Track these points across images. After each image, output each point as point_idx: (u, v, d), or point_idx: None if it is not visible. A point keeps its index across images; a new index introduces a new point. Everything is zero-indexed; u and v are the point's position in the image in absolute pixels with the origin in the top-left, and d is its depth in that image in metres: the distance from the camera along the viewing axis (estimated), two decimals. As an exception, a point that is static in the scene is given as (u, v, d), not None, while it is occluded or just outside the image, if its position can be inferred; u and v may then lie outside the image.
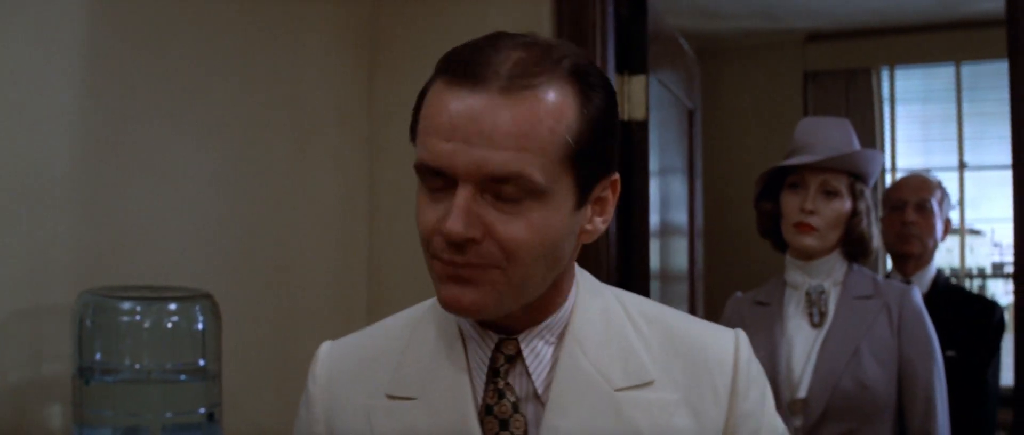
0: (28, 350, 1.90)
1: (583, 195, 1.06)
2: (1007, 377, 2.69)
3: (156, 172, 2.14)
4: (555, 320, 1.12)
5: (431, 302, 1.19)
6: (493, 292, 1.02)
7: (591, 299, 1.14)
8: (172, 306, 1.85)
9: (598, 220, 1.10)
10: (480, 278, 1.02)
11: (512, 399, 1.09)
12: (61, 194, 1.95)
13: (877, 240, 2.31)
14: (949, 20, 5.37)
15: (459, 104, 0.99)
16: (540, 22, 2.53)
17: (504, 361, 1.10)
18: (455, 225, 0.99)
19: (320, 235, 2.60)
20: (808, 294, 2.24)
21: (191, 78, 2.22)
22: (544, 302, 1.10)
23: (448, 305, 1.04)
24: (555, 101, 1.00)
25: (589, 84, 1.04)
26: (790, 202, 2.26)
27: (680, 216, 3.23)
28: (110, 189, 2.04)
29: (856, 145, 2.31)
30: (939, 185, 3.01)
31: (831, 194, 2.23)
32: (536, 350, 1.10)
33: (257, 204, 2.40)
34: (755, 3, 5.31)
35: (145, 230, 2.11)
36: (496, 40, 1.03)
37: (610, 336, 1.12)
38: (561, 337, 1.11)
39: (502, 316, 1.08)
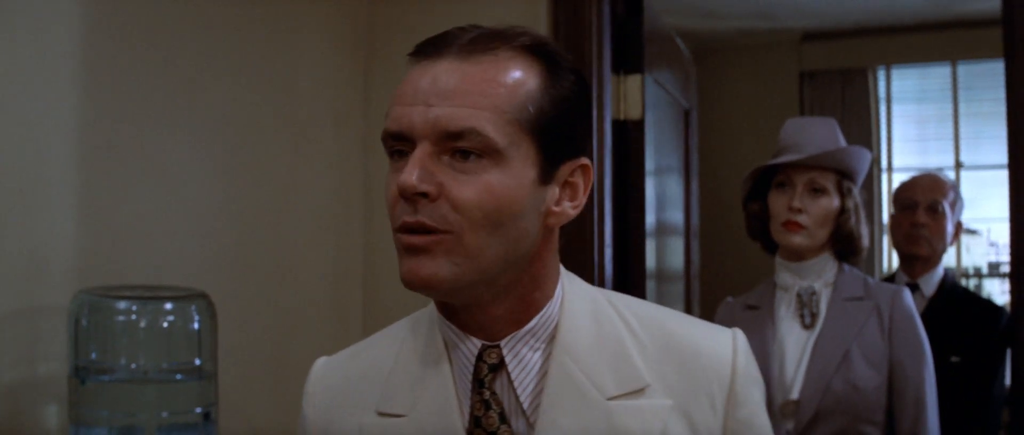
0: (24, 350, 1.90)
1: (547, 171, 1.05)
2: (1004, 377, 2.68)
3: (152, 172, 2.14)
4: (541, 322, 1.09)
5: (419, 314, 1.17)
6: (447, 262, 1.00)
7: (580, 302, 1.12)
8: (168, 306, 1.85)
9: (567, 204, 1.08)
10: (434, 247, 1.00)
11: (498, 410, 1.06)
12: (57, 194, 1.95)
13: (867, 239, 2.30)
14: (945, 20, 5.38)
15: (421, 73, 1.03)
16: (536, 22, 2.53)
17: (487, 371, 1.07)
18: (408, 177, 0.99)
19: (316, 235, 2.60)
20: (799, 295, 2.24)
21: (187, 78, 2.22)
22: (523, 299, 1.08)
23: (406, 279, 1.03)
24: (514, 67, 1.04)
25: (555, 64, 1.07)
26: (778, 201, 2.26)
27: (676, 216, 3.23)
28: (106, 189, 2.04)
29: (842, 143, 2.31)
30: (952, 187, 2.93)
31: (818, 192, 2.23)
32: (522, 358, 1.08)
33: (253, 204, 2.40)
34: (751, 3, 5.31)
35: (141, 230, 2.11)
36: (463, 26, 1.08)
37: (602, 340, 1.09)
38: (550, 343, 1.08)
39: (466, 300, 1.05)
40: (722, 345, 1.11)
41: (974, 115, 5.75)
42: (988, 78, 5.47)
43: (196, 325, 1.87)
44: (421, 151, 1.00)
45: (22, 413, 1.89)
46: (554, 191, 1.07)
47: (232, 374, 2.12)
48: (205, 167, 2.28)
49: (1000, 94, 2.33)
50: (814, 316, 2.21)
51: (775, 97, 5.86)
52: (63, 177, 1.96)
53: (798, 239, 2.22)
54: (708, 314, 2.46)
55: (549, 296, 1.10)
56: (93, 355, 1.78)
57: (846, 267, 2.27)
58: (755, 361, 1.14)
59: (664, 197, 3.04)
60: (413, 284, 1.02)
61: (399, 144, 1.03)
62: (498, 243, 1.02)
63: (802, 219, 2.21)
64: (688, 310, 3.32)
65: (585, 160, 1.09)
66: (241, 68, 2.37)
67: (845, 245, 2.26)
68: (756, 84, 5.91)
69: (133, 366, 1.79)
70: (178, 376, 1.84)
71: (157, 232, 2.15)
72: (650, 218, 2.84)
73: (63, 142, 1.96)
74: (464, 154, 1.00)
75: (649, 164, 2.79)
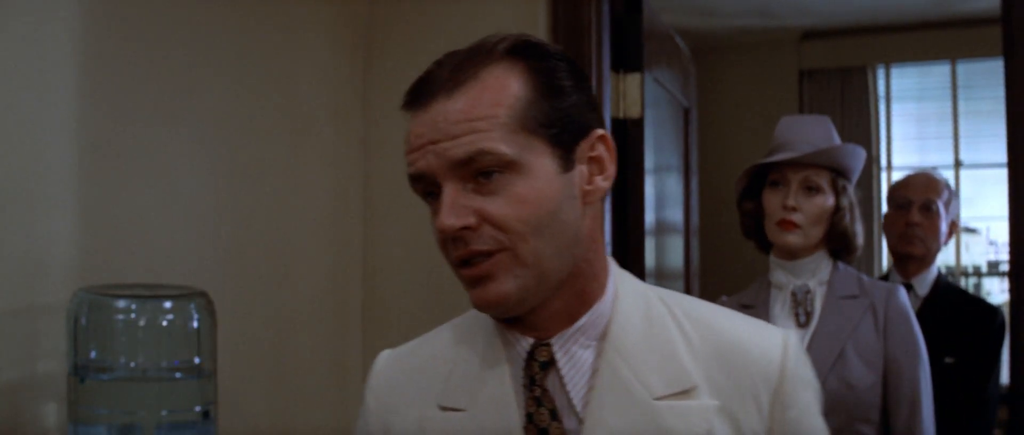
0: (23, 348, 1.90)
1: (566, 156, 1.08)
2: (1003, 375, 2.67)
3: (151, 170, 2.14)
4: (592, 319, 1.12)
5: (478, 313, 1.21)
6: (510, 277, 1.05)
7: (632, 300, 1.15)
8: (167, 304, 1.85)
9: (598, 179, 1.11)
10: (495, 269, 1.05)
11: (549, 407, 1.10)
12: (56, 192, 1.95)
13: (861, 238, 2.30)
14: (944, 18, 5.38)
15: (419, 121, 1.08)
16: (535, 20, 2.53)
17: (539, 369, 1.11)
18: (446, 219, 1.04)
19: (315, 233, 2.60)
20: (793, 294, 2.23)
21: (186, 77, 2.22)
22: (579, 291, 1.11)
23: (478, 305, 1.08)
24: (494, 79, 1.06)
25: (532, 56, 1.09)
26: (772, 200, 2.26)
27: (676, 214, 3.23)
28: (105, 187, 2.04)
29: (837, 141, 2.31)
30: (946, 185, 2.91)
31: (813, 190, 2.23)
32: (573, 356, 1.11)
33: (252, 202, 2.40)
34: (751, 1, 5.32)
35: (140, 228, 2.11)
36: (440, 60, 1.11)
37: (652, 340, 1.12)
38: (601, 341, 1.11)
39: (534, 305, 1.08)
40: (772, 346, 1.12)
41: (973, 113, 5.76)
42: (987, 76, 5.47)
43: (195, 324, 1.86)
44: (448, 190, 1.05)
45: (21, 412, 1.89)
46: (582, 171, 1.10)
47: (232, 373, 2.12)
48: (204, 166, 2.28)
49: (999, 92, 2.32)
50: (809, 315, 2.21)
51: (774, 95, 5.86)
52: (62, 176, 1.96)
53: (793, 238, 2.22)
54: (707, 313, 2.46)
55: (602, 289, 1.14)
56: (92, 354, 1.78)
57: (841, 265, 2.26)
58: (808, 363, 1.16)
59: (664, 196, 3.04)
60: (486, 308, 1.08)
61: (425, 185, 1.08)
62: (549, 244, 1.06)
63: (797, 217, 2.21)
64: (687, 309, 3.31)
65: (600, 131, 1.12)
66: (241, 68, 2.37)
67: (840, 243, 2.25)
68: (755, 82, 5.92)
69: (132, 364, 1.79)
70: (177, 375, 1.84)
71: (156, 231, 2.15)
72: (650, 217, 2.84)
73: (63, 141, 1.96)
74: (486, 175, 1.04)
75: (648, 163, 2.79)
